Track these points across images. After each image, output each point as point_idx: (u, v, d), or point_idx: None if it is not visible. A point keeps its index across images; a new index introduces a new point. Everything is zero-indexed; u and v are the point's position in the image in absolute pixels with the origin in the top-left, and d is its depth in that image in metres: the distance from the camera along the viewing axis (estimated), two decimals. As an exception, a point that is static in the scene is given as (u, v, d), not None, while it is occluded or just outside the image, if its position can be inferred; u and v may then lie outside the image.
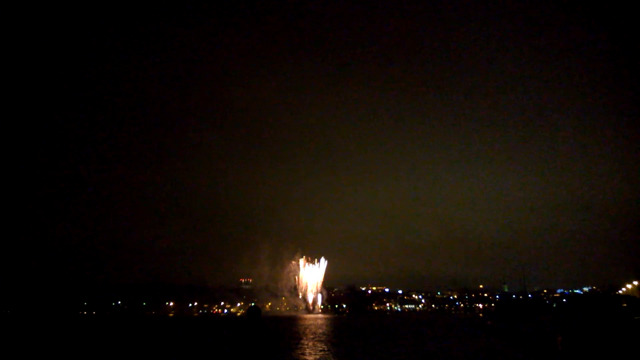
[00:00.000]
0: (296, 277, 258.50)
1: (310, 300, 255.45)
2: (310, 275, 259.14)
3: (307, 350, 34.49)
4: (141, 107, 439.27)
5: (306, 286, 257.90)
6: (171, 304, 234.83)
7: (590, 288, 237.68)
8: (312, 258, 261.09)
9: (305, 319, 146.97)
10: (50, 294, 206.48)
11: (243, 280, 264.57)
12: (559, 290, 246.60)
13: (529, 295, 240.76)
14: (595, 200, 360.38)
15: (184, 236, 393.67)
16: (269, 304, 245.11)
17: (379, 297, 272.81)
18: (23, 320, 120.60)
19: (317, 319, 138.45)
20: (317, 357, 30.60)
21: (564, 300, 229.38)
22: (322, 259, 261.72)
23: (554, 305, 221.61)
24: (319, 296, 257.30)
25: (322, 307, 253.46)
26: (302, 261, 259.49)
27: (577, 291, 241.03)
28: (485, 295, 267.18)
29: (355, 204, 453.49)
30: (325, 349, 35.96)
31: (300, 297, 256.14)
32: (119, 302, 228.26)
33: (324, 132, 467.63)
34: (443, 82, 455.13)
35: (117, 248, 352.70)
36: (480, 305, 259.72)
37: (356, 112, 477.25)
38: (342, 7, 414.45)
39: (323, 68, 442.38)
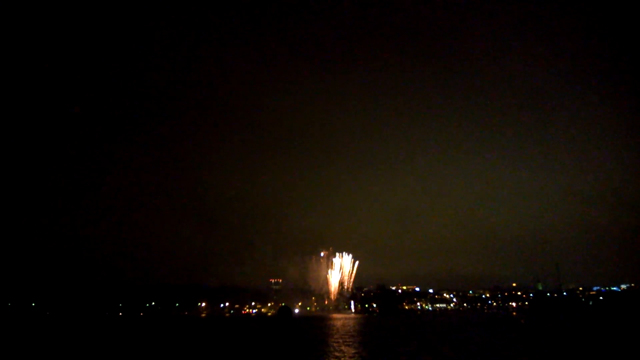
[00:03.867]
0: (326, 277, 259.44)
1: (340, 300, 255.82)
2: (340, 275, 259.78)
3: (336, 352, 34.81)
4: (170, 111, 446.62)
5: (336, 286, 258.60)
6: (203, 304, 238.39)
7: (628, 285, 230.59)
8: (342, 254, 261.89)
9: (335, 318, 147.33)
10: (87, 296, 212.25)
11: (273, 281, 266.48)
12: (595, 288, 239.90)
13: (564, 293, 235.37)
14: (632, 194, 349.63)
15: (216, 239, 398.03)
16: (299, 303, 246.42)
17: (409, 296, 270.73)
18: (63, 321, 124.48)
19: (347, 319, 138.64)
20: (350, 358, 30.90)
21: (601, 298, 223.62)
22: (349, 257, 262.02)
23: (590, 303, 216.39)
24: (349, 296, 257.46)
25: (352, 306, 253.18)
26: (334, 259, 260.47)
27: (614, 288, 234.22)
28: (519, 293, 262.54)
29: (382, 204, 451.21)
30: (355, 351, 36.19)
31: (330, 297, 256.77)
32: (153, 303, 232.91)
33: (347, 134, 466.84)
34: (458, 79, 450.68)
35: (151, 251, 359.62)
36: (514, 304, 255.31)
37: (379, 116, 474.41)
38: (352, 11, 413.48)
39: (344, 76, 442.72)
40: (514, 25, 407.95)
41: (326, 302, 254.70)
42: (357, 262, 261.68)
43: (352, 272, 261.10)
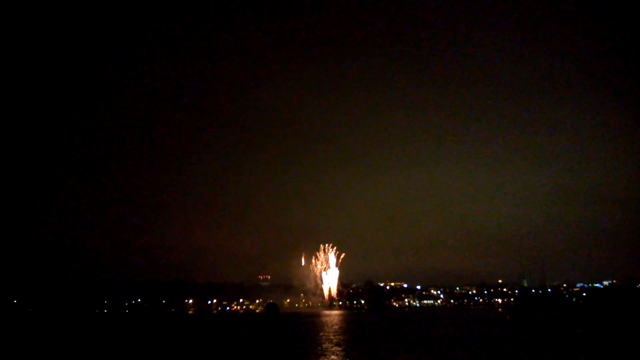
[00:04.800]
0: (313, 274, 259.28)
1: (328, 297, 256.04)
2: (327, 271, 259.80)
3: (325, 350, 34.83)
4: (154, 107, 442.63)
5: (322, 282, 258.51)
6: (190, 301, 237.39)
7: (610, 282, 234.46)
8: (328, 249, 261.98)
9: (323, 315, 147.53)
10: (71, 293, 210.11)
11: (261, 277, 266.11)
12: (578, 285, 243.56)
13: (549, 290, 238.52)
14: (614, 191, 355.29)
15: (202, 235, 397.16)
16: (287, 300, 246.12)
17: (397, 292, 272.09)
18: (46, 319, 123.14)
19: (334, 316, 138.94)
20: (335, 356, 30.93)
21: (584, 294, 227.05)
22: (333, 250, 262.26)
23: (574, 300, 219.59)
24: (336, 292, 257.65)
25: (340, 303, 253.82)
26: (320, 255, 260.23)
27: (597, 285, 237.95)
28: (504, 290, 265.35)
29: (369, 200, 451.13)
30: (343, 348, 36.23)
31: (317, 293, 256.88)
32: (139, 300, 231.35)
33: (331, 127, 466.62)
34: (448, 74, 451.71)
35: (136, 247, 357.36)
36: (500, 300, 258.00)
37: (363, 108, 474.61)
38: (339, 5, 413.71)
39: (328, 66, 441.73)
40: (509, 21, 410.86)
41: (311, 303, 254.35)
42: (342, 255, 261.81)
43: (337, 266, 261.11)
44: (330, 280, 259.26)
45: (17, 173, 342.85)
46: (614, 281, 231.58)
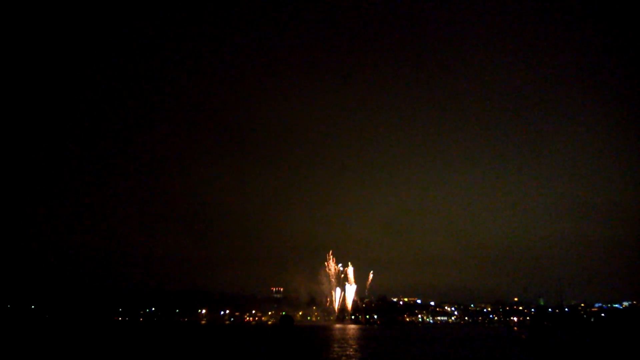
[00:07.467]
0: (325, 287, 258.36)
1: (340, 311, 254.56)
2: (340, 285, 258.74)
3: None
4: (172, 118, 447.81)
5: (335, 296, 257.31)
6: (204, 311, 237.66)
7: (630, 302, 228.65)
8: (344, 265, 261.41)
9: (336, 329, 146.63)
10: (87, 300, 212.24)
11: (274, 289, 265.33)
12: (597, 304, 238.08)
13: (566, 309, 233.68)
14: (635, 208, 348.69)
15: (216, 246, 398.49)
16: (300, 312, 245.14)
17: (410, 308, 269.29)
18: (62, 325, 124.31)
19: (347, 330, 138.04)
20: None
21: (603, 314, 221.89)
22: (350, 267, 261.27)
23: (592, 320, 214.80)
24: (349, 307, 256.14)
25: (352, 317, 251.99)
26: (332, 267, 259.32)
27: (616, 305, 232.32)
28: (520, 308, 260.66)
29: (382, 215, 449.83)
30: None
31: (330, 307, 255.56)
32: (153, 309, 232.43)
33: (348, 146, 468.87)
34: (452, 91, 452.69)
35: (151, 256, 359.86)
36: (515, 319, 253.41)
37: (376, 126, 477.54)
38: (352, 16, 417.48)
39: (340, 83, 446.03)
40: (518, 37, 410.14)
41: (327, 312, 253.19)
42: (354, 270, 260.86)
43: (349, 281, 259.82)
44: (342, 295, 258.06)
45: (37, 182, 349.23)
46: (634, 302, 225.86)
